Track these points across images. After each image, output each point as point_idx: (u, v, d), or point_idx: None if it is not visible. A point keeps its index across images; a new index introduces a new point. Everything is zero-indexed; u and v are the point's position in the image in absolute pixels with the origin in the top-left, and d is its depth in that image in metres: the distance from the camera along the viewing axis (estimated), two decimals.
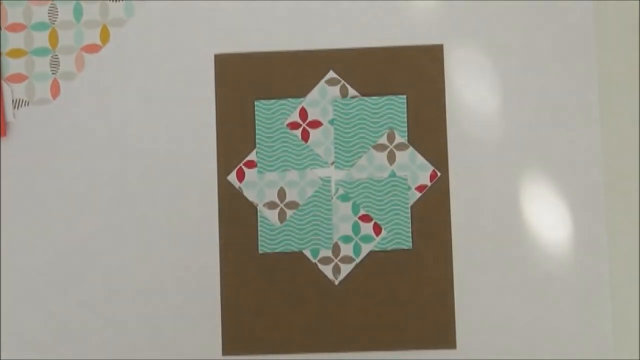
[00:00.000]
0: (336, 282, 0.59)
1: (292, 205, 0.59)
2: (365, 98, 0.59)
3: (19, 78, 0.61)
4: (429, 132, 0.59)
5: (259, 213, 0.59)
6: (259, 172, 0.59)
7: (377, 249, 0.59)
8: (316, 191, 0.59)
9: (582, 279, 0.58)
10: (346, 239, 0.59)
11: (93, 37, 0.61)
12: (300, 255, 0.59)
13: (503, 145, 0.59)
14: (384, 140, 0.59)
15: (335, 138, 0.59)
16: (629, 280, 0.59)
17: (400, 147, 0.59)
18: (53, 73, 0.61)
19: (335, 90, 0.60)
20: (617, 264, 0.59)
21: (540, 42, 0.59)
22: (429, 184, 0.59)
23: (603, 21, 0.59)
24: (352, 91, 0.59)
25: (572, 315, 0.58)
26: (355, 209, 0.59)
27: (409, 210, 0.59)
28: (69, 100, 0.61)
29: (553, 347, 0.58)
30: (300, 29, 0.60)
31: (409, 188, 0.59)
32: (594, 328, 0.58)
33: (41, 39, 0.61)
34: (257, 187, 0.59)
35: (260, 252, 0.59)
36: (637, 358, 0.58)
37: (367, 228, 0.59)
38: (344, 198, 0.59)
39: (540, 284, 0.58)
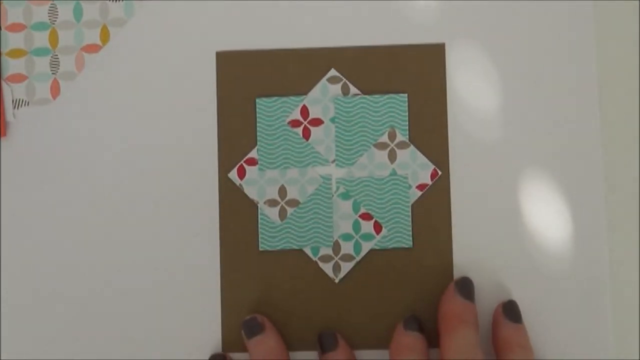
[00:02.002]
0: (336, 280, 0.59)
1: (293, 203, 0.59)
2: (367, 96, 0.59)
3: (19, 78, 0.61)
4: (430, 130, 0.59)
5: (259, 211, 0.59)
6: (259, 169, 0.59)
7: (377, 248, 0.59)
8: (317, 189, 0.59)
9: (582, 279, 0.58)
10: (346, 237, 0.59)
11: (93, 37, 0.61)
12: (300, 253, 0.59)
13: (504, 144, 0.59)
14: (385, 138, 0.59)
15: (336, 136, 0.59)
16: (629, 280, 0.59)
17: (401, 145, 0.59)
18: (53, 73, 0.61)
19: (336, 89, 0.60)
20: (617, 264, 0.59)
21: (540, 42, 0.60)
22: (430, 182, 0.59)
23: (603, 21, 0.60)
24: (353, 89, 0.60)
25: (572, 315, 0.58)
26: (355, 207, 0.59)
27: (410, 209, 0.59)
28: (69, 100, 0.61)
29: (553, 347, 0.58)
30: (302, 27, 0.60)
31: (410, 187, 0.59)
32: (594, 328, 0.58)
33: (41, 39, 0.61)
34: (257, 184, 0.59)
35: (260, 249, 0.59)
36: (637, 358, 0.58)
37: (367, 226, 0.59)
38: (345, 196, 0.59)
39: (540, 283, 0.58)
